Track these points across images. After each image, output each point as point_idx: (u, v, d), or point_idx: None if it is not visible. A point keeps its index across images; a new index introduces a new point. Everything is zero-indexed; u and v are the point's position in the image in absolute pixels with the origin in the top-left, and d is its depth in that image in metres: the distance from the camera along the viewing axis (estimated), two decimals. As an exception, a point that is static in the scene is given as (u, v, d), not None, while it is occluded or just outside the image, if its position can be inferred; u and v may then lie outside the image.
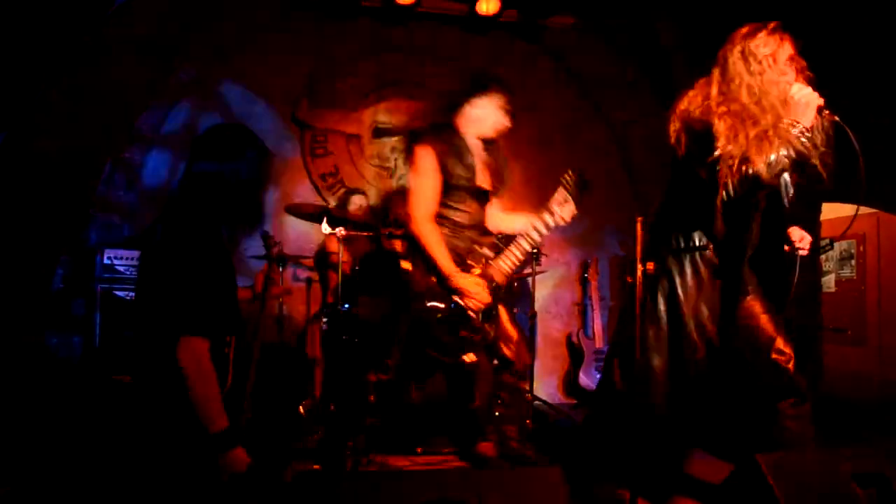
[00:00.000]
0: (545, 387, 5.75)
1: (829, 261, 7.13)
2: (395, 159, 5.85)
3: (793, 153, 2.51)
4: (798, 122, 2.51)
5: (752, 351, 2.73)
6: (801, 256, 2.80)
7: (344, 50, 5.71)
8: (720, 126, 2.57)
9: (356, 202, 5.09)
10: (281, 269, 4.74)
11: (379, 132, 5.84)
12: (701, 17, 3.05)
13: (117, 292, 4.49)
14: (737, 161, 2.53)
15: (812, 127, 2.53)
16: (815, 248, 5.23)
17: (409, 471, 2.69)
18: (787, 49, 2.65)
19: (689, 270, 2.70)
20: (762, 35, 2.66)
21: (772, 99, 2.60)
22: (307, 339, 4.73)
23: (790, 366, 2.66)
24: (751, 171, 2.52)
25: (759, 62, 2.63)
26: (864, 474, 2.02)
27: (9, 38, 4.08)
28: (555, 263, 5.86)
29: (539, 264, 4.97)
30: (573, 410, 5.25)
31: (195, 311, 2.14)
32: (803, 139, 2.50)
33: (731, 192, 2.57)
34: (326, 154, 5.71)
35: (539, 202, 5.86)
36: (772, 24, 2.67)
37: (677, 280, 2.71)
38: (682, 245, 2.72)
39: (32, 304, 4.61)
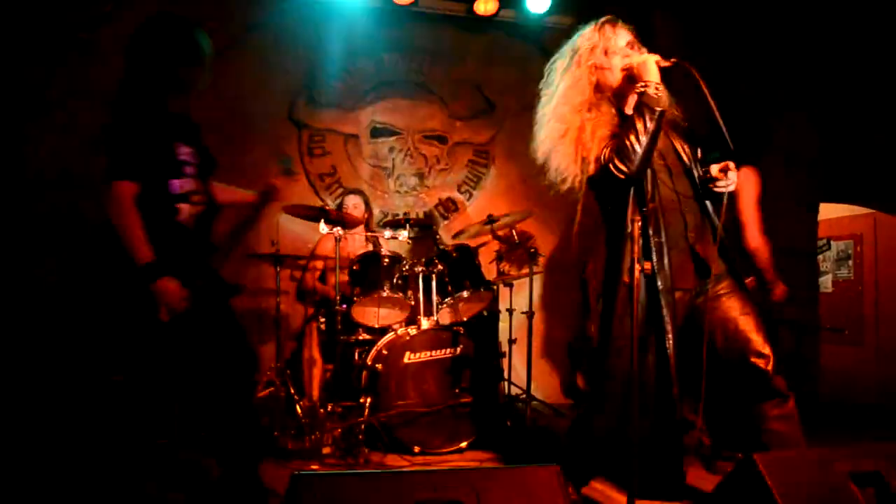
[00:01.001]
0: (542, 387, 5.75)
1: (826, 261, 7.14)
2: (393, 159, 5.85)
3: (646, 122, 2.57)
4: (649, 82, 2.60)
5: (730, 353, 2.71)
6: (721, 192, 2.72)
7: (341, 49, 5.70)
8: (548, 134, 2.81)
9: (354, 203, 5.09)
10: (278, 269, 4.72)
11: (377, 132, 5.84)
12: (699, 16, 3.06)
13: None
14: (587, 154, 2.68)
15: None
16: (814, 249, 5.25)
17: (406, 470, 2.69)
18: (623, 37, 2.77)
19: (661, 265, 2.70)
20: (589, 31, 2.79)
21: (603, 85, 2.74)
22: (304, 340, 4.73)
23: (769, 367, 2.64)
24: (601, 156, 2.63)
25: (588, 56, 2.75)
26: (861, 473, 2.02)
27: (5, 37, 4.08)
28: (553, 263, 5.86)
29: (537, 264, 4.97)
30: (571, 411, 5.25)
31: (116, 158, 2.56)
32: (660, 94, 2.59)
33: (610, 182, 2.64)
34: (324, 154, 5.71)
35: (535, 201, 5.92)
36: (603, 19, 2.80)
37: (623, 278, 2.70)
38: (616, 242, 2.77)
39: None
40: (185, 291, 2.60)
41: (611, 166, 2.58)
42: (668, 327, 2.63)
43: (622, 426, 2.55)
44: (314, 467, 3.69)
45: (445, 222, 5.83)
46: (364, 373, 4.22)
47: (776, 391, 2.64)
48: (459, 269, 4.43)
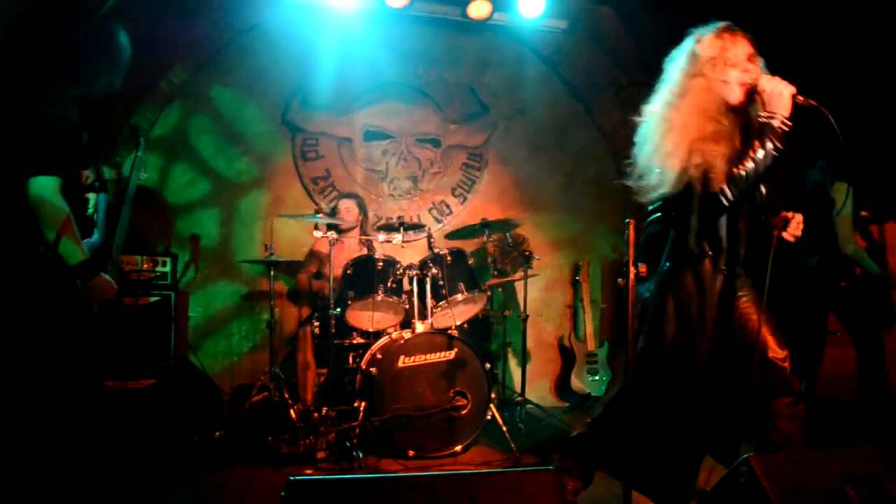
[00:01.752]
0: (537, 389, 5.75)
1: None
2: (387, 163, 5.85)
3: (761, 153, 2.52)
4: (775, 113, 2.53)
5: (748, 352, 2.73)
6: (781, 239, 2.75)
7: (335, 52, 5.70)
8: (661, 139, 2.63)
9: (348, 206, 5.07)
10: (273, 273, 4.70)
11: (370, 135, 5.83)
12: (693, 21, 3.06)
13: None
14: (696, 169, 2.57)
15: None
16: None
17: (403, 475, 2.68)
18: (743, 48, 2.66)
19: (689, 279, 2.70)
20: (708, 38, 2.67)
21: (721, 100, 2.61)
22: (298, 344, 4.72)
23: (786, 365, 2.68)
24: (712, 176, 2.55)
25: (708, 66, 2.65)
26: (856, 475, 2.03)
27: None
28: (546, 266, 5.86)
29: (531, 267, 4.98)
30: (565, 413, 5.25)
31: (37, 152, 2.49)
32: (783, 128, 2.52)
33: (708, 199, 2.60)
34: (318, 157, 5.70)
35: (528, 204, 5.92)
36: (721, 26, 2.68)
37: (681, 289, 2.70)
38: (681, 254, 2.72)
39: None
40: (112, 286, 2.64)
41: (721, 190, 2.53)
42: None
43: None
44: (308, 472, 3.68)
45: (439, 226, 5.83)
46: (358, 377, 4.23)
47: (791, 390, 2.66)
48: (454, 273, 4.43)
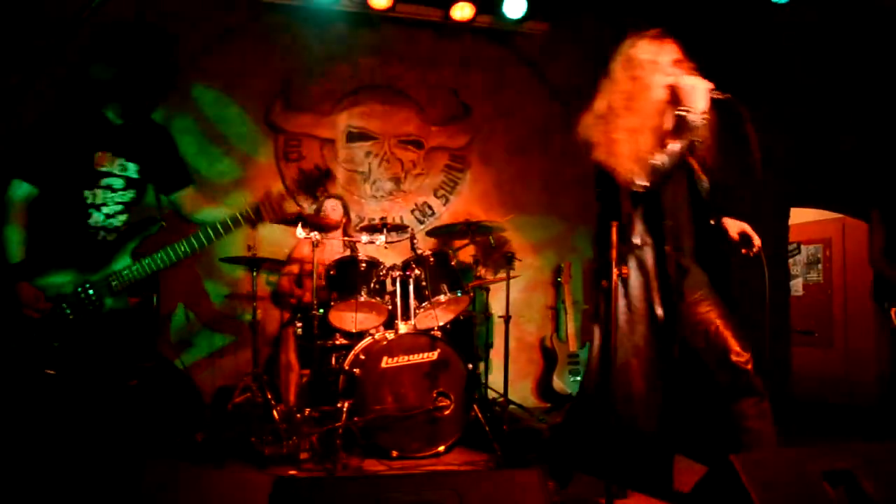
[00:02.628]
0: (518, 390, 5.78)
1: (796, 265, 7.25)
2: (370, 164, 5.85)
3: (677, 145, 2.66)
4: (691, 108, 2.67)
5: (710, 355, 2.79)
6: (758, 255, 2.86)
7: (318, 53, 5.69)
8: (596, 136, 2.82)
9: (332, 206, 5.08)
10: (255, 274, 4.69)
11: (353, 136, 5.83)
12: (674, 25, 3.12)
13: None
14: (616, 164, 2.73)
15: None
16: (784, 253, 5.33)
17: (389, 475, 2.69)
18: (670, 52, 2.79)
19: (633, 268, 2.76)
20: (643, 43, 2.80)
21: (648, 100, 2.77)
22: (281, 345, 4.71)
23: (749, 367, 2.74)
24: (629, 169, 2.68)
25: (640, 67, 2.78)
26: (833, 472, 2.07)
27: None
28: (527, 267, 5.89)
29: (513, 268, 5.00)
30: (547, 414, 5.28)
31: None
32: (699, 121, 2.67)
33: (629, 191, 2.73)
34: (300, 158, 5.69)
35: (510, 206, 5.95)
36: (652, 32, 2.82)
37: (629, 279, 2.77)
38: (626, 245, 2.80)
39: None
40: (40, 296, 2.64)
41: (632, 181, 2.69)
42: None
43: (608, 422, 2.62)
44: (292, 472, 3.67)
45: (422, 227, 5.84)
46: (342, 377, 4.22)
47: (755, 390, 2.72)
48: (437, 274, 4.44)
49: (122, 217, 2.87)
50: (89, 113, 2.80)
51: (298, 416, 4.03)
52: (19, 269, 2.64)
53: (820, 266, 7.09)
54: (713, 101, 2.71)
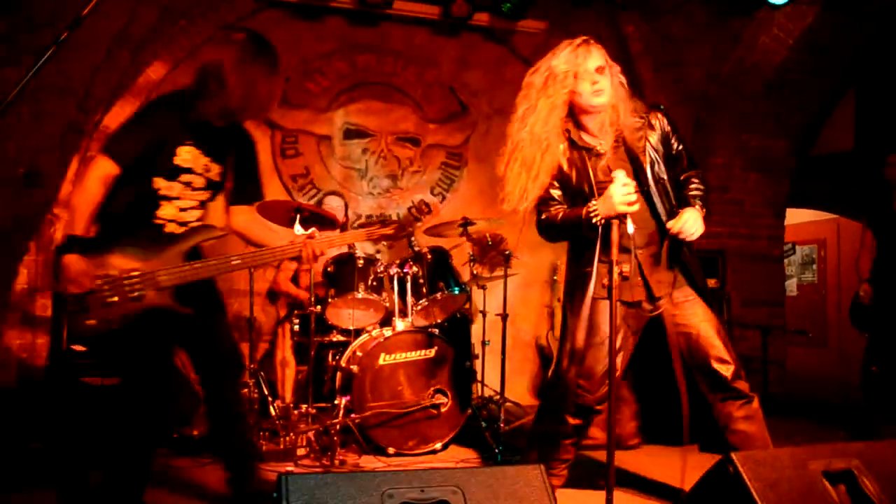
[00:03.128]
0: (514, 388, 5.78)
1: (791, 265, 7.29)
2: (366, 161, 5.85)
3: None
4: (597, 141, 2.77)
5: (692, 359, 2.78)
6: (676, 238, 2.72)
7: (315, 50, 5.69)
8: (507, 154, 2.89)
9: (336, 205, 5.06)
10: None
11: (350, 133, 5.83)
12: (670, 25, 3.12)
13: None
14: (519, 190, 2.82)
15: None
16: (780, 253, 5.38)
17: (391, 470, 2.69)
18: (595, 60, 2.72)
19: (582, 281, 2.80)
20: (564, 53, 2.75)
21: (564, 114, 2.77)
22: (277, 342, 4.70)
23: (730, 374, 2.73)
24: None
25: (560, 80, 2.73)
26: (834, 472, 2.08)
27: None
28: (523, 266, 5.89)
29: (510, 266, 5.00)
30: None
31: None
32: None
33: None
34: (297, 155, 5.68)
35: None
36: (577, 40, 2.75)
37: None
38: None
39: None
40: (90, 272, 2.54)
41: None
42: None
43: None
44: (289, 468, 3.67)
45: (418, 224, 5.84)
46: (338, 374, 4.22)
47: (740, 394, 2.72)
48: (434, 271, 4.44)
49: (196, 213, 2.83)
50: (188, 106, 2.75)
51: (295, 412, 4.03)
52: (82, 243, 2.57)
53: (814, 266, 7.13)
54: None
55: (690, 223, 2.62)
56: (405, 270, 4.35)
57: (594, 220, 2.57)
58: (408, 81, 5.95)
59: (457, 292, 4.49)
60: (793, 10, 4.72)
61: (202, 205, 2.85)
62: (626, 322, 2.79)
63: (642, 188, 2.72)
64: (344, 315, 4.40)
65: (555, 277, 6.07)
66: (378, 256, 4.50)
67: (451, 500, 1.67)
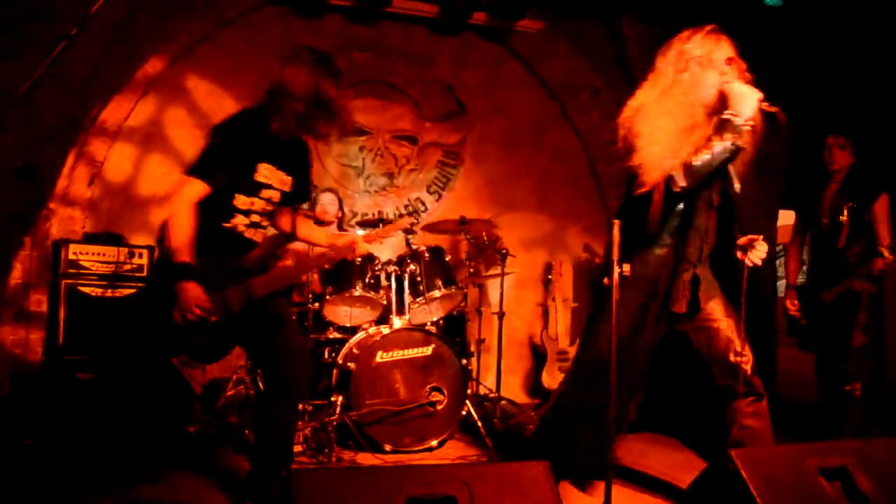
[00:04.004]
0: (508, 386, 5.80)
1: (782, 266, 7.33)
2: (363, 159, 5.85)
3: (728, 146, 2.62)
4: (739, 114, 2.64)
5: (711, 354, 2.83)
6: (750, 267, 2.82)
7: (313, 47, 5.67)
8: (642, 129, 2.73)
9: (329, 200, 5.07)
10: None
11: (346, 131, 5.82)
12: (670, 25, 3.14)
13: (82, 288, 4.40)
14: (659, 161, 2.66)
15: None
16: (772, 255, 5.37)
17: (395, 466, 2.71)
18: (724, 50, 2.77)
19: (637, 268, 2.77)
20: (697, 38, 2.78)
21: (700, 97, 2.72)
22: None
23: (748, 367, 2.78)
24: (671, 168, 2.66)
25: (694, 63, 2.74)
26: (830, 469, 2.12)
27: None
28: (518, 264, 5.92)
29: (506, 265, 5.02)
30: (536, 410, 5.31)
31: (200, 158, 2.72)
32: (745, 127, 2.63)
33: (663, 192, 2.70)
34: (294, 152, 5.67)
35: (502, 203, 5.98)
36: (708, 27, 2.79)
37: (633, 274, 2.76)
38: (637, 244, 2.81)
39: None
40: (203, 299, 2.63)
41: (672, 178, 2.66)
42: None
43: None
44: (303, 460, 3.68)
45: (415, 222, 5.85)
46: (335, 371, 4.23)
47: (753, 390, 2.76)
48: (431, 269, 4.46)
49: (266, 222, 2.99)
50: (261, 124, 2.83)
51: (292, 409, 4.03)
52: (194, 270, 2.64)
53: (805, 269, 7.16)
54: (761, 112, 2.67)
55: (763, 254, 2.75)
56: (403, 268, 4.37)
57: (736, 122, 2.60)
58: (406, 80, 5.95)
59: (454, 290, 4.51)
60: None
61: (272, 214, 2.98)
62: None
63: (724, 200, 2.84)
64: (341, 312, 4.42)
65: (549, 276, 6.09)
66: (375, 254, 4.50)
67: (458, 497, 1.69)
